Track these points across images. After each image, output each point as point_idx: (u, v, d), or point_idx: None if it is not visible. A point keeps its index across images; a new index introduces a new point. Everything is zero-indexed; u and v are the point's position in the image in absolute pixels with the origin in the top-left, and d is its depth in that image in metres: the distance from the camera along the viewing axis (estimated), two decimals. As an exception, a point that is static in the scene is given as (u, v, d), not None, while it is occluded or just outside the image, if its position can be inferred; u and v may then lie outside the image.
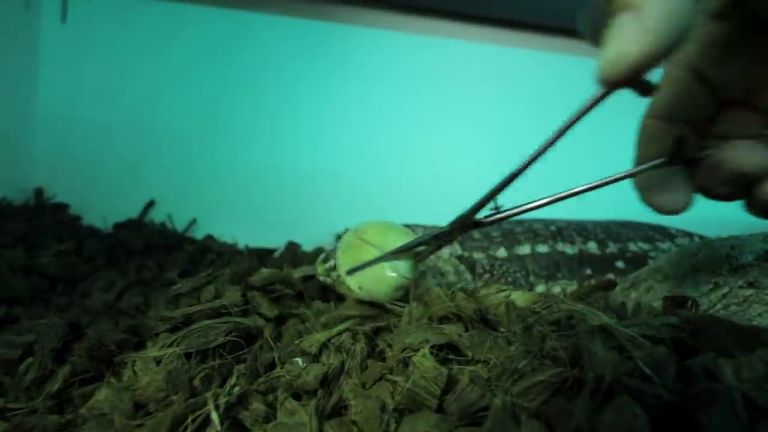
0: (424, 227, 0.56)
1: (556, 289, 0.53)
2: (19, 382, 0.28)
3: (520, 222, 0.60)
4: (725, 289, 0.32)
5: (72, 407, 0.26)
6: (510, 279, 0.52)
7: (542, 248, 0.55)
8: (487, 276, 0.51)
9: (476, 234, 0.57)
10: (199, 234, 0.75)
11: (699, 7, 0.26)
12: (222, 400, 0.23)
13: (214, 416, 0.22)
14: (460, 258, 0.53)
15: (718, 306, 0.32)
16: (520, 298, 0.35)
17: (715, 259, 0.36)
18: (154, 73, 0.75)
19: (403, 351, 0.28)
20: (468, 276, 0.51)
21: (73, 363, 0.28)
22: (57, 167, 0.74)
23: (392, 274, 0.36)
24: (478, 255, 0.54)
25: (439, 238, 0.35)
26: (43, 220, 0.67)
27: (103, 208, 0.73)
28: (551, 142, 0.29)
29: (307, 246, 0.73)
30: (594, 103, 0.26)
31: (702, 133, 0.30)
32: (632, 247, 0.56)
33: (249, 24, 0.76)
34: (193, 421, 0.22)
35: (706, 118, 0.30)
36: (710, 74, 0.29)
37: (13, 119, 0.71)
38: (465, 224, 0.32)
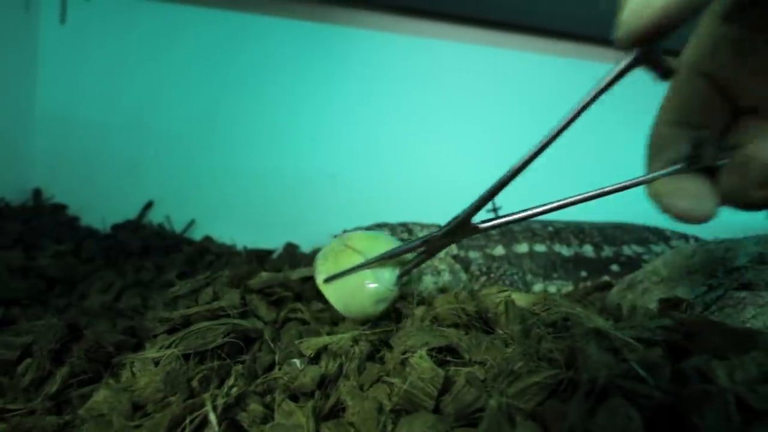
0: (422, 225, 0.56)
1: (552, 289, 0.53)
2: (17, 383, 0.28)
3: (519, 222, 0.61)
4: (720, 291, 0.33)
5: (70, 408, 0.26)
6: (507, 281, 0.52)
7: (540, 248, 0.55)
8: (483, 278, 0.51)
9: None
10: (197, 235, 0.75)
11: None
12: (220, 401, 0.23)
13: (212, 417, 0.22)
14: (455, 257, 0.53)
15: (713, 308, 0.32)
16: (520, 299, 0.34)
17: (710, 261, 0.36)
18: (153, 74, 0.75)
19: (403, 354, 0.28)
20: (463, 275, 0.51)
21: (72, 364, 0.29)
22: (55, 168, 0.74)
23: (373, 284, 0.32)
24: (474, 254, 0.54)
25: (430, 244, 0.31)
26: (41, 220, 0.67)
27: (101, 208, 0.73)
28: (554, 137, 0.27)
29: (306, 247, 0.73)
30: (607, 85, 0.24)
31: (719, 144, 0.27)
32: (626, 250, 0.57)
33: (247, 25, 0.76)
34: (191, 422, 0.22)
35: (721, 127, 0.28)
36: (723, 80, 0.26)
37: (12, 120, 0.71)
38: (461, 229, 0.29)
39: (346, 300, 0.33)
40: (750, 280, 0.32)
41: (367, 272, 0.32)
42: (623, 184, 0.28)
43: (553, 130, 0.26)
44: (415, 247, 0.32)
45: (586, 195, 0.29)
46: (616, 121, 0.82)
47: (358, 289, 0.32)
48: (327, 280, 0.34)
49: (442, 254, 0.53)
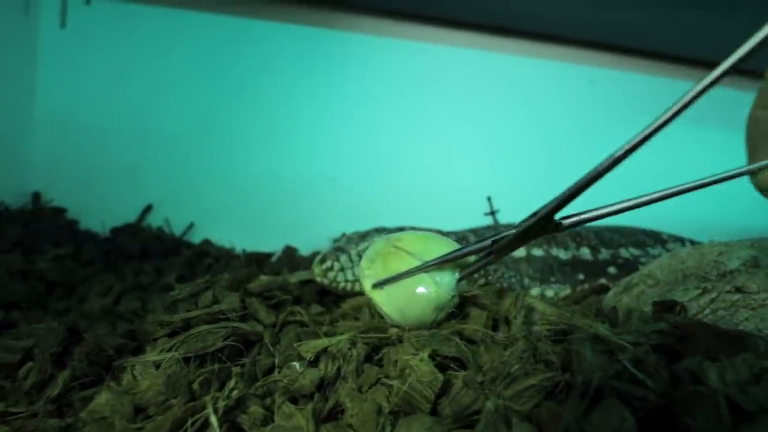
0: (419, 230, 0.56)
1: (549, 293, 0.53)
2: (19, 387, 0.28)
3: (516, 225, 0.61)
4: (713, 294, 0.33)
5: (72, 411, 0.27)
6: (505, 284, 0.52)
7: (537, 251, 0.56)
8: (481, 281, 0.52)
9: (471, 236, 0.58)
10: (196, 238, 0.76)
11: None
12: (221, 404, 0.23)
13: (213, 420, 0.22)
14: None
15: (707, 311, 0.33)
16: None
17: (704, 264, 0.37)
18: (153, 79, 0.75)
19: (405, 357, 0.28)
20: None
21: (73, 367, 0.29)
22: (55, 171, 0.75)
23: (433, 289, 0.29)
24: (470, 258, 0.55)
25: (499, 244, 0.28)
26: (40, 224, 0.67)
27: (100, 212, 0.73)
28: (648, 136, 0.24)
29: (305, 250, 0.74)
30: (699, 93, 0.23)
31: None
32: (624, 253, 0.57)
33: (247, 30, 0.77)
34: (193, 424, 0.22)
35: None
36: None
37: (11, 123, 0.71)
38: (540, 228, 0.25)
39: (402, 307, 0.30)
40: (743, 283, 0.33)
41: (424, 276, 0.30)
42: (724, 175, 0.26)
43: (642, 133, 0.24)
44: (482, 249, 0.29)
45: (683, 187, 0.27)
46: (615, 122, 0.83)
47: (417, 294, 0.30)
48: (376, 285, 0.31)
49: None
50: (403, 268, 0.31)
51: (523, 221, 0.27)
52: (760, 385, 0.22)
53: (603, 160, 0.25)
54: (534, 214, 0.26)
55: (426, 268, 0.30)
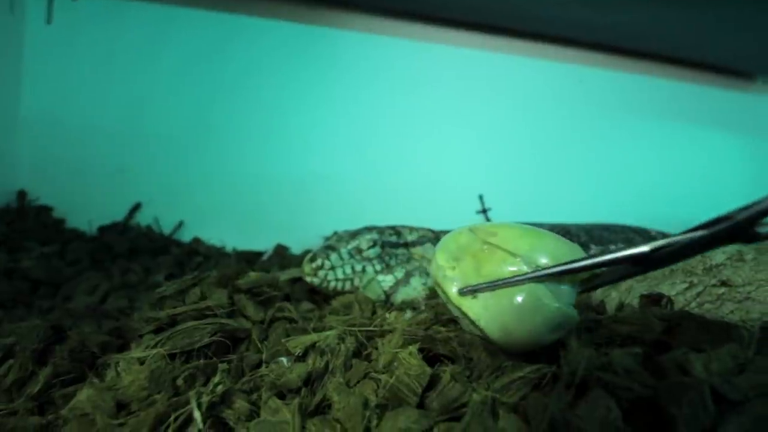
0: (411, 228, 0.56)
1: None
2: (-2, 384, 0.28)
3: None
4: (699, 288, 0.34)
5: (53, 408, 0.26)
6: None
7: None
8: None
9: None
10: (186, 237, 0.75)
11: None
12: (205, 399, 0.23)
13: (197, 414, 0.22)
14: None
15: (693, 304, 0.33)
16: None
17: (691, 259, 0.37)
18: (141, 76, 0.75)
19: (394, 350, 0.28)
20: None
21: (55, 364, 0.28)
22: (41, 169, 0.74)
23: (552, 303, 0.23)
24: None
25: (661, 253, 0.21)
26: (25, 222, 0.66)
27: (88, 211, 0.72)
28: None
29: (296, 249, 0.73)
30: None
31: None
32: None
33: (238, 27, 0.76)
34: (176, 419, 0.22)
35: None
36: None
37: (-4, 120, 0.70)
38: (733, 234, 0.21)
39: (507, 323, 0.23)
40: (728, 276, 0.33)
41: (538, 286, 0.23)
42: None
43: None
44: (631, 258, 0.22)
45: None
46: (604, 120, 0.84)
47: (528, 308, 0.23)
48: (467, 291, 0.24)
49: (431, 254, 0.53)
50: (503, 273, 0.24)
51: (702, 226, 0.21)
52: (744, 375, 0.22)
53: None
54: (721, 219, 0.20)
55: (544, 276, 0.23)
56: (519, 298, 0.23)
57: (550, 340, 0.24)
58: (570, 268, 0.23)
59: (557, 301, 0.23)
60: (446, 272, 0.26)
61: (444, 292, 0.26)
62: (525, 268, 0.24)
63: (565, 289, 0.24)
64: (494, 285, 0.24)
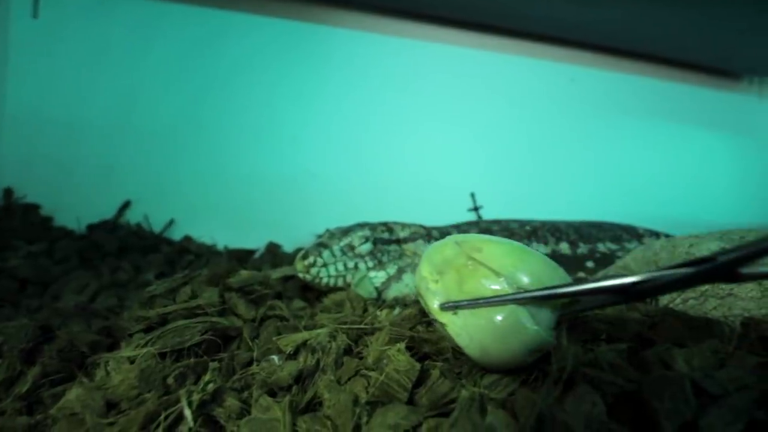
0: (403, 224, 0.56)
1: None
2: (-15, 385, 0.28)
3: (497, 221, 0.62)
4: (684, 285, 0.34)
5: (42, 408, 0.26)
6: None
7: None
8: None
9: (453, 231, 0.58)
10: (176, 235, 0.74)
11: None
12: (195, 397, 0.23)
13: (187, 412, 0.22)
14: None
15: (678, 300, 0.34)
16: None
17: (675, 256, 0.38)
18: (130, 72, 0.74)
19: (382, 347, 0.28)
20: None
21: (43, 364, 0.28)
22: (28, 167, 0.72)
23: (533, 326, 0.23)
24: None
25: (642, 287, 0.21)
26: (12, 221, 0.65)
27: (76, 209, 0.71)
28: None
29: (288, 247, 0.73)
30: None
31: None
32: (601, 247, 0.59)
33: (228, 23, 0.75)
34: (166, 418, 0.22)
35: None
36: None
37: (-19, 117, 0.69)
38: (714, 275, 0.21)
39: (486, 343, 0.23)
40: (712, 273, 0.34)
41: (517, 308, 0.23)
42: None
43: None
44: (613, 288, 0.22)
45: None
46: (595, 119, 0.85)
47: (507, 330, 0.23)
48: (448, 307, 0.24)
49: (422, 251, 0.54)
50: (486, 291, 0.24)
51: (682, 265, 0.21)
52: (724, 370, 0.23)
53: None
54: (703, 260, 0.21)
55: (526, 299, 0.23)
56: (499, 318, 0.23)
57: (527, 362, 0.24)
58: (552, 294, 0.23)
59: (537, 324, 0.23)
60: (429, 285, 0.26)
61: (426, 305, 0.26)
62: (507, 288, 0.24)
63: (546, 312, 0.24)
64: (475, 303, 0.24)
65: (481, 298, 0.24)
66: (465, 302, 0.24)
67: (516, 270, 0.24)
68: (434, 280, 0.26)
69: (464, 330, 0.24)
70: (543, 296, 0.23)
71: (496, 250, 0.25)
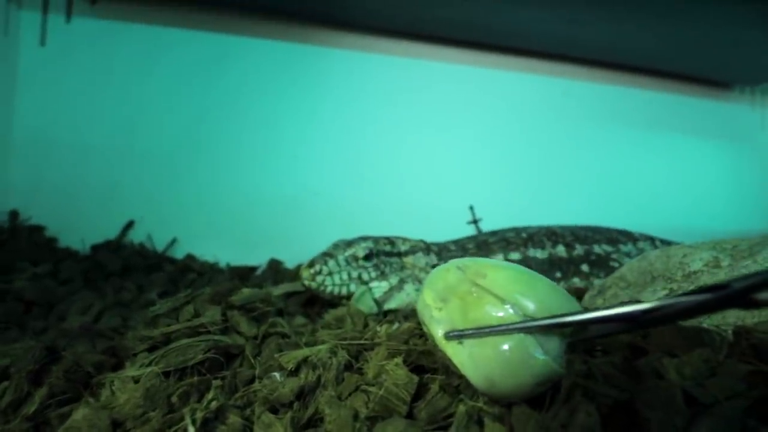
0: (404, 239, 0.57)
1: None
2: (-6, 407, 0.28)
3: (494, 232, 0.63)
4: (678, 294, 0.35)
5: (49, 428, 0.26)
6: None
7: (514, 255, 0.57)
8: None
9: (452, 246, 0.59)
10: (179, 253, 0.75)
11: None
12: (199, 415, 0.23)
13: (191, 430, 0.22)
14: (435, 268, 0.55)
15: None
16: None
17: (670, 266, 0.38)
18: (134, 96, 0.76)
19: (380, 362, 0.29)
20: None
21: (50, 385, 0.29)
22: (33, 190, 0.74)
23: (541, 356, 0.22)
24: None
25: (653, 315, 0.21)
26: (17, 243, 0.66)
27: (80, 230, 0.72)
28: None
29: (290, 264, 0.74)
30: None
31: None
32: (597, 249, 0.59)
33: (228, 47, 0.78)
34: (171, 436, 0.22)
35: None
36: None
37: (-11, 142, 0.70)
38: (728, 302, 0.20)
39: (493, 375, 0.22)
40: (705, 282, 0.35)
41: (525, 337, 0.22)
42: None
43: None
44: (624, 317, 0.21)
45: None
46: (588, 132, 0.86)
47: (514, 361, 0.22)
48: (453, 336, 0.24)
49: (422, 263, 0.54)
50: (491, 319, 0.23)
51: (694, 292, 0.20)
52: (714, 379, 0.23)
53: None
54: (717, 287, 0.20)
55: (533, 327, 0.22)
56: (506, 348, 0.22)
57: (535, 393, 0.23)
58: (560, 322, 0.22)
59: (546, 353, 0.22)
60: (433, 312, 0.25)
61: (429, 334, 0.26)
62: (514, 315, 0.23)
63: (555, 341, 0.23)
64: (481, 332, 0.23)
65: (486, 327, 0.23)
66: (470, 331, 0.23)
67: (522, 296, 0.23)
68: (438, 308, 0.25)
69: (470, 362, 0.23)
70: (552, 324, 0.22)
71: (500, 275, 0.24)
